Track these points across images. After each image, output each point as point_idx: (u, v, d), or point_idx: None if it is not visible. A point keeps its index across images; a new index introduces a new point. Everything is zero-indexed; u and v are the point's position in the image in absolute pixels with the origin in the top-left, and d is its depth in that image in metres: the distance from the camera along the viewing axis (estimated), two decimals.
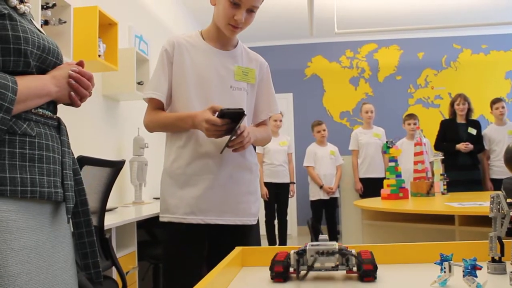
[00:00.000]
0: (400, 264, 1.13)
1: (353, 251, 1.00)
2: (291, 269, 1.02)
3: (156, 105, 2.00)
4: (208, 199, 1.94)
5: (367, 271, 0.97)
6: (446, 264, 0.93)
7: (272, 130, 4.13)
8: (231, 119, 1.80)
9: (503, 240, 1.04)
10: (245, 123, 1.91)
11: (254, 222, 2.09)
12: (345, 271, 1.01)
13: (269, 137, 2.23)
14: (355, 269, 0.99)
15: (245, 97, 2.05)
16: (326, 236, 1.06)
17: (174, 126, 1.99)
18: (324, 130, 6.18)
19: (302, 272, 0.98)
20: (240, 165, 2.02)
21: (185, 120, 1.92)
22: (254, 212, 2.08)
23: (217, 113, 1.80)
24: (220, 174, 1.96)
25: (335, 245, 1.01)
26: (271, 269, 1.01)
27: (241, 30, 1.97)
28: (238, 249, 1.20)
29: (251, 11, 1.92)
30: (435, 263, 0.96)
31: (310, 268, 0.98)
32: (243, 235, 2.05)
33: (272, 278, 1.00)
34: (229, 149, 1.90)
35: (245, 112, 1.81)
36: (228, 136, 1.86)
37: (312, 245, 1.01)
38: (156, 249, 3.28)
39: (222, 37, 2.03)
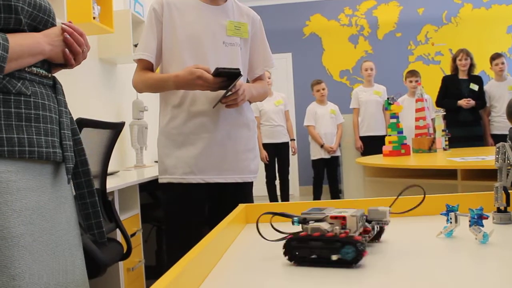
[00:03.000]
0: (405, 217, 1.13)
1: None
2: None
3: (144, 66, 1.97)
4: (207, 157, 1.93)
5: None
6: (452, 214, 0.93)
7: None
8: (227, 77, 1.78)
9: (508, 190, 1.03)
10: (241, 79, 1.88)
11: (254, 179, 2.08)
12: None
13: (265, 92, 2.20)
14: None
15: (239, 52, 2.01)
16: (380, 208, 0.88)
17: (158, 87, 1.96)
18: (323, 89, 6.13)
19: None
20: (237, 122, 2.00)
21: (167, 82, 1.89)
22: (254, 169, 2.07)
23: (214, 70, 1.78)
24: (218, 132, 1.94)
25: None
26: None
27: None
28: (241, 206, 1.20)
29: None
30: (441, 214, 0.96)
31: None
32: (244, 192, 2.05)
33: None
34: (223, 104, 1.88)
35: (241, 73, 1.78)
36: (223, 92, 1.84)
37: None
38: (159, 211, 3.30)
39: None
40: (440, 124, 4.47)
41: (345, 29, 8.09)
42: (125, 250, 2.31)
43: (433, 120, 4.71)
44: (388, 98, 4.15)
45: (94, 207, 1.24)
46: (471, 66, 5.55)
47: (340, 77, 8.05)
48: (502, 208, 1.02)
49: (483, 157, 3.13)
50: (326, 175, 6.24)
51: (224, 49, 1.96)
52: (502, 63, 5.58)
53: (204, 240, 0.82)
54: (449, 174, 2.88)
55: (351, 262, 0.75)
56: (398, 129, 4.03)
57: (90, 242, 1.82)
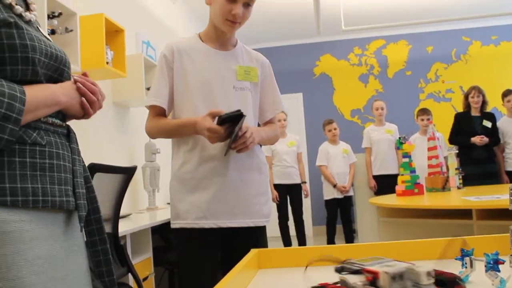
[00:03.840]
0: (419, 261, 1.11)
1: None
2: None
3: (157, 112, 1.99)
4: (219, 202, 1.92)
5: None
6: (467, 259, 0.91)
7: None
8: (231, 122, 1.79)
9: None
10: (252, 123, 1.88)
11: (267, 223, 2.07)
12: None
13: (276, 136, 2.20)
14: None
15: (250, 97, 2.02)
16: (416, 269, 0.73)
17: (177, 132, 1.97)
18: (335, 129, 6.14)
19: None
20: (248, 166, 2.00)
21: (187, 127, 1.91)
22: (266, 213, 2.06)
23: (216, 119, 1.79)
24: (230, 176, 1.94)
25: None
26: None
27: (240, 26, 1.96)
28: (254, 251, 1.18)
29: (247, 5, 1.92)
30: (455, 259, 0.94)
31: None
32: (256, 237, 2.03)
33: None
34: (233, 150, 1.88)
35: (244, 113, 1.78)
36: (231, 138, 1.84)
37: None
38: (171, 254, 3.27)
39: (221, 37, 2.01)
40: (454, 163, 4.43)
41: (355, 69, 8.16)
42: None
43: (446, 158, 4.68)
44: (399, 138, 4.14)
45: (105, 254, 1.24)
46: (484, 103, 5.52)
47: (351, 116, 8.08)
48: None
49: (498, 195, 3.08)
50: (339, 215, 6.18)
51: (234, 94, 1.98)
52: None
53: (218, 287, 0.81)
54: (464, 213, 2.84)
55: None
56: (411, 168, 4.00)
57: None
